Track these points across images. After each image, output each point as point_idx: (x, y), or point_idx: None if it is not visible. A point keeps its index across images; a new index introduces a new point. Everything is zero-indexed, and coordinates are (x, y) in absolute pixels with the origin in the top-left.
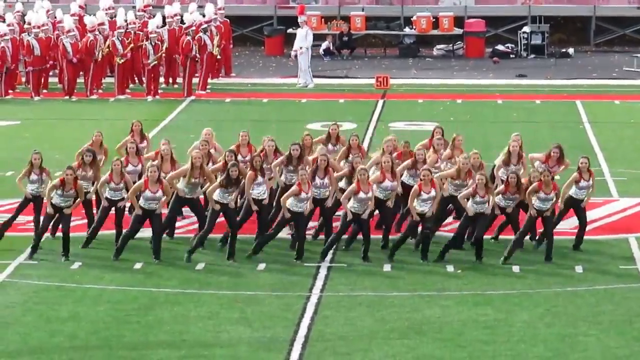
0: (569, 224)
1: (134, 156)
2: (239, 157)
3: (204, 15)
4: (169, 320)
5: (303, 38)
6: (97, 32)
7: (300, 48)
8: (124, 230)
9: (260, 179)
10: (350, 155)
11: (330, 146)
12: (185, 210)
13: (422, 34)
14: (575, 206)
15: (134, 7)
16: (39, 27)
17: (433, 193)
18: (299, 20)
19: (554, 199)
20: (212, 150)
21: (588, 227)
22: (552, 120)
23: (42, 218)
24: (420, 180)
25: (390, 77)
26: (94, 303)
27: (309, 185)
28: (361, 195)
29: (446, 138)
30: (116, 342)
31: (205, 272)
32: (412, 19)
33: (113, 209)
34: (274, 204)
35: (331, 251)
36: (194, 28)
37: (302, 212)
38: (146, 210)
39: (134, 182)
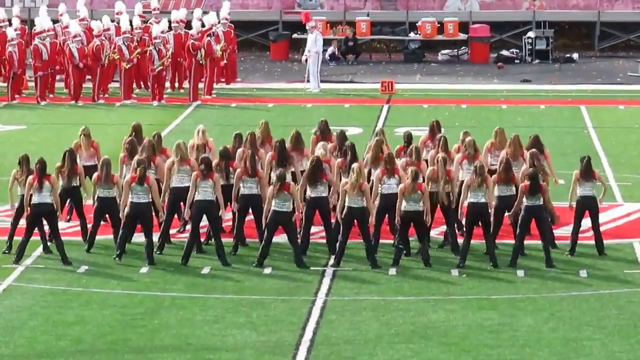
0: (567, 229)
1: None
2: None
3: (203, 25)
4: (174, 324)
5: (313, 43)
6: (103, 37)
7: (309, 51)
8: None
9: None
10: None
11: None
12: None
13: (427, 39)
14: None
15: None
16: (45, 32)
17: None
18: (307, 27)
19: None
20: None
21: (592, 232)
22: (556, 125)
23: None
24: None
25: (395, 82)
26: (100, 307)
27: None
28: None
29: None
30: (122, 346)
31: (210, 276)
32: (417, 24)
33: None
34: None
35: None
36: (199, 35)
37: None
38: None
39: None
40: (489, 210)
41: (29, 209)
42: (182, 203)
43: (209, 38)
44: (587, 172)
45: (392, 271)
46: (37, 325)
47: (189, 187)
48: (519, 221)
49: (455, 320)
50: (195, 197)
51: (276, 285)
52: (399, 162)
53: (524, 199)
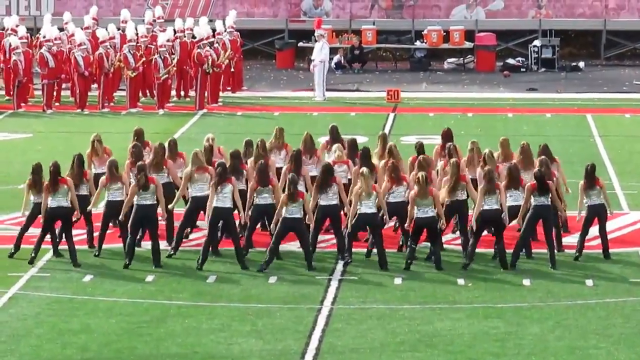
0: (575, 237)
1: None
2: None
3: (214, 30)
4: (180, 333)
5: (319, 51)
6: (108, 46)
7: (313, 60)
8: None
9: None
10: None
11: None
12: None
13: (432, 48)
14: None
15: (144, 20)
16: (51, 41)
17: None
18: (315, 34)
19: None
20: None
21: (598, 241)
22: (562, 133)
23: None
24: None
25: (401, 91)
26: (105, 315)
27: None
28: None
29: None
30: (128, 354)
31: (216, 284)
32: (423, 32)
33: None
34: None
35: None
36: (204, 42)
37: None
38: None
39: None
40: (502, 216)
41: (45, 214)
42: (202, 212)
43: (208, 48)
44: (590, 181)
45: (398, 280)
46: (43, 333)
47: (208, 195)
48: (525, 219)
49: (461, 328)
50: (215, 204)
51: (282, 294)
52: (411, 175)
53: (532, 199)
